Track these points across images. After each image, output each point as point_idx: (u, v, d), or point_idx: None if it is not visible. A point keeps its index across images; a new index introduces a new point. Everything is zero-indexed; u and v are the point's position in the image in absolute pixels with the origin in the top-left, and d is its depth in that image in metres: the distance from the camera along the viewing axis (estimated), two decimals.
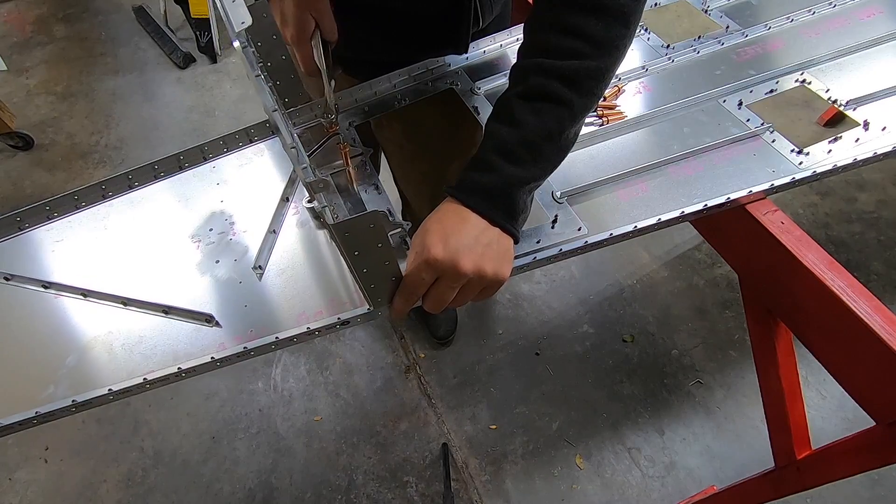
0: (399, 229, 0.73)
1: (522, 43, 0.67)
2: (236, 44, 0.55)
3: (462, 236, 0.59)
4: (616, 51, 0.63)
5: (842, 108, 0.86)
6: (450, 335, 1.77)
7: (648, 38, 1.01)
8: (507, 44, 0.97)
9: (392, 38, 0.86)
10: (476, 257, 0.59)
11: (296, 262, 0.75)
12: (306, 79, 0.78)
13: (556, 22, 0.62)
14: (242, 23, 0.56)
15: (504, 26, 0.97)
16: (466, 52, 0.91)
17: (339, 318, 0.68)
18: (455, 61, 0.93)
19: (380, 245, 0.58)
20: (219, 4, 0.59)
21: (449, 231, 0.59)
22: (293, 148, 0.53)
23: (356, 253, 0.58)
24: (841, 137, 0.83)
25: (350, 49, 0.74)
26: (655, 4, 1.08)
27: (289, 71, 0.72)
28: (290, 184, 0.81)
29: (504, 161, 0.61)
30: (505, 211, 0.62)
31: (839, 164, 0.80)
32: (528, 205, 0.65)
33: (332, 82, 0.75)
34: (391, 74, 0.89)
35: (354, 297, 0.70)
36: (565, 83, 0.61)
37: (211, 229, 0.79)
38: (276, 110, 0.53)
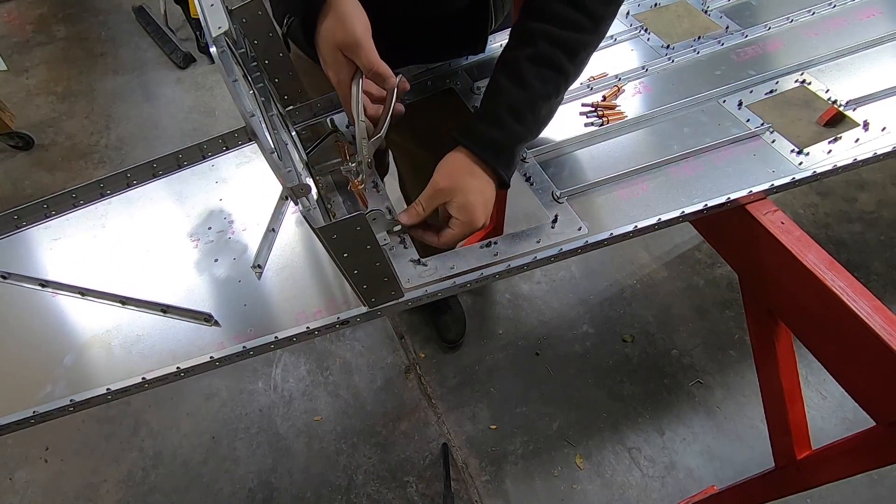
0: (398, 227, 0.73)
1: (527, 2, 0.72)
2: (213, 50, 0.55)
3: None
4: (606, 27, 0.73)
5: (842, 109, 0.86)
6: (459, 338, 1.76)
7: (648, 39, 1.01)
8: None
9: (415, 46, 0.87)
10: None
11: (295, 261, 0.75)
12: (306, 77, 0.78)
13: None
14: (219, 27, 0.56)
15: (507, 24, 0.98)
16: (484, 52, 0.92)
17: (338, 318, 0.68)
18: (455, 61, 0.93)
19: (368, 247, 0.58)
20: (198, 9, 0.59)
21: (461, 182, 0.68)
22: (273, 153, 0.53)
23: (345, 255, 0.58)
24: (841, 138, 0.83)
25: None
26: (655, 4, 1.08)
27: (287, 68, 0.72)
28: None
29: (513, 119, 0.69)
30: (507, 163, 0.70)
31: (839, 165, 0.80)
32: (519, 160, 0.77)
33: (370, 133, 0.70)
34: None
35: (353, 296, 0.70)
36: (566, 54, 0.69)
37: (210, 228, 0.79)
38: (253, 115, 0.53)
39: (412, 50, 0.88)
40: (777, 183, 0.77)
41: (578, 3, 0.69)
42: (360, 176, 0.71)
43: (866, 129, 0.84)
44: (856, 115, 0.86)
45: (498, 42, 0.96)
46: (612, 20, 0.73)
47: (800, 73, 0.93)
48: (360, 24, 0.66)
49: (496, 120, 0.69)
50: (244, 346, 0.67)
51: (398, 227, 0.72)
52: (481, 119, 0.70)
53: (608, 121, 0.87)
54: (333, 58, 0.67)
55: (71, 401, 0.63)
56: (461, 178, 0.68)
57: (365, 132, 0.70)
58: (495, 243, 0.72)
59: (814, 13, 1.03)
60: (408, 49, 0.87)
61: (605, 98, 0.91)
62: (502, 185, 0.72)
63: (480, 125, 0.70)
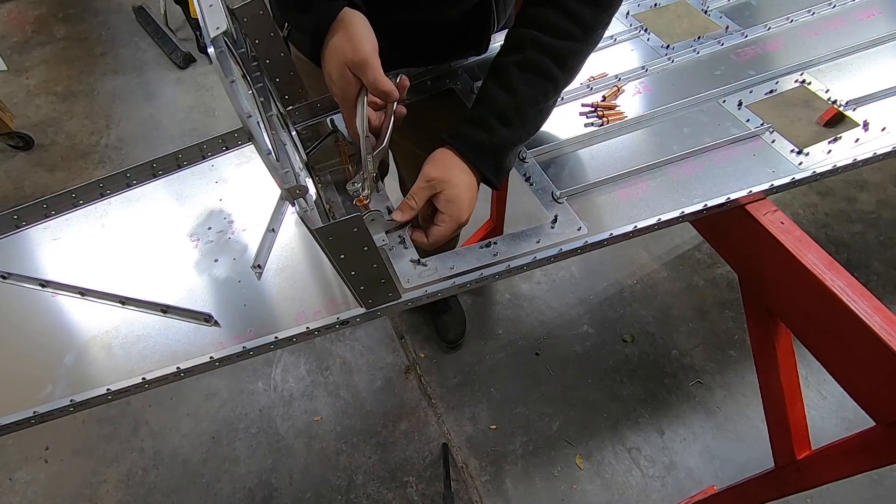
0: (398, 228, 0.73)
1: (522, 9, 0.74)
2: (211, 50, 0.55)
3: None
4: (598, 36, 0.74)
5: (841, 109, 0.86)
6: (459, 338, 1.76)
7: (648, 39, 1.01)
8: None
9: (419, 50, 0.87)
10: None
11: (295, 261, 0.75)
12: (307, 77, 0.78)
13: (557, 2, 0.71)
14: (217, 28, 0.56)
15: (511, 23, 0.98)
16: (486, 52, 0.92)
17: (338, 318, 0.68)
18: (456, 61, 0.93)
19: (365, 248, 0.58)
20: (197, 9, 0.59)
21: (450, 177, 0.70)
22: (269, 154, 0.53)
23: (342, 256, 0.58)
24: (841, 138, 0.83)
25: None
26: (655, 5, 1.08)
27: (288, 68, 0.72)
28: None
29: (499, 123, 0.70)
30: (494, 165, 0.72)
31: (839, 165, 0.80)
32: (513, 162, 0.76)
33: (374, 151, 0.70)
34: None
35: (353, 296, 0.70)
36: (556, 62, 0.71)
37: (210, 228, 0.79)
38: (250, 116, 0.53)
39: (416, 53, 0.88)
40: (777, 183, 0.77)
41: (571, 12, 0.70)
42: (366, 191, 0.72)
43: (866, 129, 0.84)
44: (856, 115, 0.86)
45: (500, 42, 0.96)
46: (605, 29, 0.75)
47: (800, 73, 0.93)
48: (368, 42, 0.66)
49: (483, 124, 0.71)
50: (244, 347, 0.67)
51: (396, 227, 0.72)
52: (469, 123, 0.72)
53: (608, 121, 0.87)
54: (340, 75, 0.67)
55: (71, 401, 0.63)
56: (451, 170, 0.70)
57: (370, 148, 0.70)
58: (495, 243, 0.72)
59: (814, 13, 1.03)
60: (412, 53, 0.87)
61: (605, 98, 0.91)
62: (490, 185, 0.74)
63: (468, 128, 0.71)
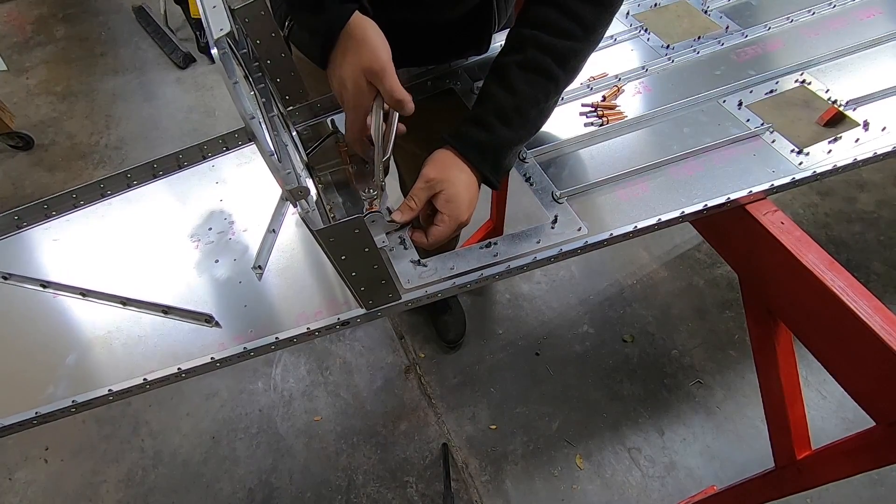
0: (398, 229, 0.73)
1: (523, 9, 0.74)
2: (215, 51, 0.55)
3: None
4: (600, 37, 0.74)
5: (842, 109, 0.86)
6: (459, 338, 1.76)
7: (648, 39, 1.01)
8: None
9: (420, 50, 0.87)
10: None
11: (295, 262, 0.75)
12: (308, 77, 0.78)
13: (558, 2, 0.71)
14: (221, 29, 0.56)
15: (511, 23, 0.98)
16: (487, 51, 0.92)
17: (338, 319, 0.68)
18: (457, 61, 0.93)
19: (366, 249, 0.58)
20: (200, 10, 0.59)
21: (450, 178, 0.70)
22: (272, 155, 0.53)
23: (343, 258, 0.58)
24: (841, 137, 0.83)
25: None
26: (655, 4, 1.08)
27: (289, 68, 0.72)
28: None
29: (500, 123, 0.70)
30: (493, 165, 0.71)
31: (839, 165, 0.80)
32: (513, 162, 0.76)
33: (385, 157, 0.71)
34: None
35: (353, 297, 0.70)
36: (557, 61, 0.71)
37: (210, 228, 0.79)
38: (253, 118, 0.53)
39: (417, 53, 0.88)
40: (777, 183, 0.78)
41: (571, 12, 0.70)
42: (378, 199, 0.72)
43: (866, 129, 0.84)
44: (856, 115, 0.86)
45: (501, 42, 0.96)
46: (606, 29, 0.75)
47: (800, 73, 0.93)
48: (385, 51, 0.66)
49: (483, 123, 0.71)
50: (245, 347, 0.67)
51: (396, 228, 0.72)
52: (469, 122, 0.72)
53: (608, 121, 0.87)
54: (355, 81, 0.67)
55: (73, 402, 0.63)
56: (449, 170, 0.70)
57: (382, 156, 0.70)
58: (495, 244, 0.72)
59: (814, 13, 1.03)
60: (413, 53, 0.87)
61: (605, 98, 0.91)
62: (489, 185, 0.73)
63: (468, 128, 0.71)
